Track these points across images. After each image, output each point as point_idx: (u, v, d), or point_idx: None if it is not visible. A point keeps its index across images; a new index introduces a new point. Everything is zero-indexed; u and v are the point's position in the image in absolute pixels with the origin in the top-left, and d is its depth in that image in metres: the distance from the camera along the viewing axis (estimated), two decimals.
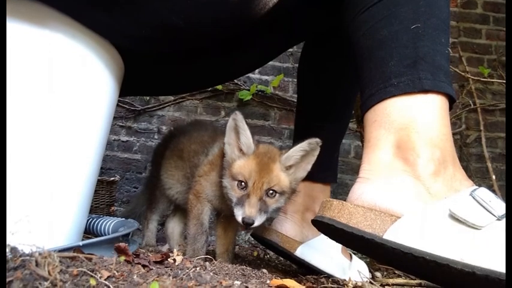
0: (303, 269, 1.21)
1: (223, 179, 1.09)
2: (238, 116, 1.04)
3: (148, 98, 2.61)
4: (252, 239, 1.41)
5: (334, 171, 1.32)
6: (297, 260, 1.18)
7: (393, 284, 1.07)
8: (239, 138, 1.07)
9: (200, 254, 1.07)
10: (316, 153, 1.07)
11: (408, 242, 0.66)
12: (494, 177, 2.11)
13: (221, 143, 1.18)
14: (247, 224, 0.99)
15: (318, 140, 1.05)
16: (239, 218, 1.00)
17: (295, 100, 1.47)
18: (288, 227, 1.23)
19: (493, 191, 0.70)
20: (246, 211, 0.99)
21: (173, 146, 1.37)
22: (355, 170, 2.54)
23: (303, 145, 1.05)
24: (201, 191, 1.14)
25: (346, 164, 2.61)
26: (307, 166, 1.09)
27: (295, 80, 1.77)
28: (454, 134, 2.35)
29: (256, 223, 1.00)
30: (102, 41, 0.87)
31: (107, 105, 0.91)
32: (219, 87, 2.59)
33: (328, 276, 1.09)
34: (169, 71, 1.15)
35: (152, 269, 0.71)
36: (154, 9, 0.85)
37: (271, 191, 1.04)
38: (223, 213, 1.21)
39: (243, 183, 1.03)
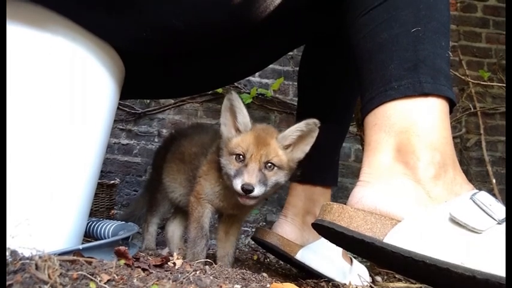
0: (304, 273, 1.21)
1: (221, 158, 1.09)
2: (234, 95, 1.05)
3: (148, 101, 2.61)
4: (253, 242, 1.41)
5: (335, 174, 1.32)
6: (298, 263, 1.18)
7: None
8: (236, 117, 1.07)
9: (200, 258, 1.07)
10: (315, 134, 1.08)
11: (408, 246, 0.66)
12: (494, 181, 2.11)
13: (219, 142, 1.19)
14: (246, 191, 0.98)
15: (316, 120, 1.05)
16: (238, 187, 0.99)
17: (296, 103, 1.47)
18: (288, 230, 1.23)
19: (493, 195, 0.70)
20: (245, 178, 0.99)
21: (174, 149, 1.37)
22: (355, 174, 2.54)
23: (300, 125, 1.06)
24: (201, 191, 1.14)
25: (346, 168, 2.61)
26: (305, 147, 1.10)
27: (296, 83, 1.78)
28: (454, 138, 2.35)
29: (256, 191, 0.99)
30: (103, 43, 0.87)
31: (108, 108, 0.92)
32: (219, 90, 2.59)
33: (329, 280, 1.09)
34: (169, 74, 1.15)
35: (152, 272, 0.71)
36: (155, 11, 0.85)
37: (269, 164, 1.04)
38: (224, 214, 1.21)
39: (241, 156, 1.04)
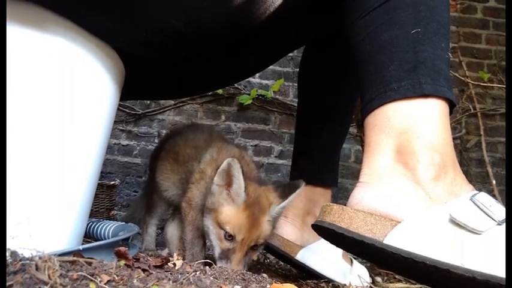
0: (304, 274, 1.21)
1: (205, 217, 1.04)
2: (236, 164, 0.97)
3: (148, 102, 2.61)
4: None
5: (335, 175, 1.32)
6: (298, 264, 1.18)
7: None
8: (231, 185, 1.00)
9: (199, 258, 1.07)
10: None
11: (408, 247, 0.66)
12: (494, 181, 2.11)
13: (214, 149, 1.17)
14: None
15: (302, 182, 1.05)
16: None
17: (296, 104, 1.47)
18: (288, 231, 1.22)
19: (493, 196, 0.70)
20: (233, 266, 0.96)
21: (169, 148, 1.36)
22: (355, 175, 2.54)
23: (295, 195, 1.04)
24: (192, 199, 1.13)
25: (346, 169, 2.61)
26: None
27: (296, 84, 1.78)
28: (454, 139, 2.35)
29: None
30: (103, 45, 0.87)
31: (108, 109, 0.92)
32: (220, 91, 2.60)
33: (329, 281, 1.09)
34: (169, 75, 1.16)
35: (152, 273, 0.71)
36: (155, 13, 0.85)
37: (255, 246, 1.01)
38: None
39: (230, 237, 0.99)
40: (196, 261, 0.94)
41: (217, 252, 1.01)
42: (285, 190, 1.05)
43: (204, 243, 1.12)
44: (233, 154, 1.14)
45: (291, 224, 1.24)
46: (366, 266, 1.22)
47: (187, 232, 1.13)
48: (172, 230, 1.46)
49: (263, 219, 1.01)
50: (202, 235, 1.13)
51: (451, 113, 0.79)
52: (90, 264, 0.64)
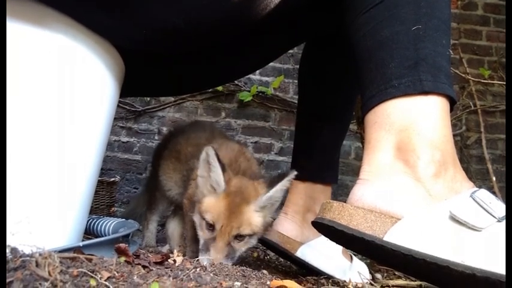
0: (304, 270, 1.21)
1: (193, 213, 1.04)
2: (210, 151, 0.97)
3: (148, 99, 2.61)
4: None
5: (335, 172, 1.32)
6: (298, 260, 1.18)
7: (393, 286, 1.07)
8: (211, 172, 1.00)
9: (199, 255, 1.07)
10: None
11: (408, 244, 0.66)
12: (494, 178, 2.11)
13: (214, 146, 1.16)
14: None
15: (296, 172, 1.02)
16: (204, 263, 0.92)
17: (296, 101, 1.47)
18: (288, 228, 1.23)
19: (493, 193, 0.70)
20: (211, 255, 0.95)
21: (171, 147, 1.36)
22: (355, 172, 2.54)
23: (285, 183, 1.01)
24: (192, 195, 1.12)
25: (346, 166, 2.61)
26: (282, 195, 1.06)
27: (296, 81, 1.77)
28: (454, 136, 2.35)
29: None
30: (103, 41, 0.87)
31: (108, 105, 0.91)
32: (220, 88, 2.60)
33: (329, 277, 1.09)
34: (169, 72, 1.15)
35: (152, 269, 0.71)
36: (155, 11, 0.85)
37: (240, 236, 0.99)
38: None
39: (210, 226, 0.98)
40: (197, 257, 0.94)
41: (200, 244, 1.01)
42: (274, 180, 1.04)
43: None
44: (233, 150, 1.14)
45: (291, 220, 1.24)
46: (365, 263, 1.22)
47: (189, 229, 1.13)
48: (173, 227, 1.47)
49: (246, 208, 0.99)
50: None
51: (451, 109, 0.79)
52: (90, 260, 0.64)
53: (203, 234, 1.00)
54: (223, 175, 0.98)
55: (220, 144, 1.18)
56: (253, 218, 1.00)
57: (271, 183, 1.03)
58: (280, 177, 1.03)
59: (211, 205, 0.99)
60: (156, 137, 2.58)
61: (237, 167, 1.10)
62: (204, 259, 0.95)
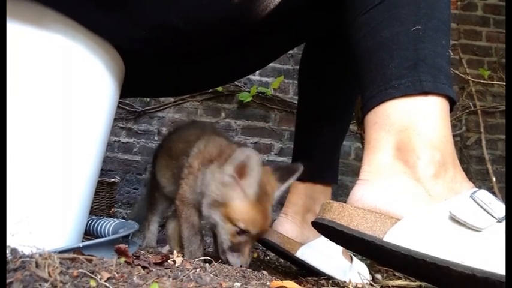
0: (304, 271, 1.21)
1: (211, 210, 1.00)
2: (256, 157, 0.92)
3: (148, 99, 2.61)
4: None
5: (335, 172, 1.32)
6: (298, 261, 1.18)
7: (393, 286, 1.07)
8: (244, 177, 0.96)
9: (198, 255, 1.07)
10: None
11: (408, 244, 0.66)
12: (494, 179, 2.11)
13: (202, 141, 1.15)
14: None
15: (302, 167, 1.04)
16: (231, 261, 0.94)
17: (296, 102, 1.47)
18: (288, 228, 1.23)
19: (493, 193, 0.70)
20: (244, 260, 0.95)
21: (165, 145, 1.37)
22: (355, 172, 2.54)
23: (294, 178, 1.05)
24: (183, 195, 1.12)
25: (346, 166, 2.61)
26: None
27: (296, 81, 1.78)
28: (454, 136, 2.35)
29: None
30: (102, 42, 0.87)
31: (108, 106, 0.92)
32: (219, 88, 2.60)
33: (329, 278, 1.09)
34: (169, 72, 1.15)
35: (152, 270, 0.71)
36: (154, 10, 0.85)
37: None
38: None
39: (243, 231, 0.96)
40: (195, 258, 0.95)
41: (226, 245, 1.00)
42: (284, 173, 1.03)
43: (201, 240, 1.12)
44: (220, 145, 1.13)
45: (291, 221, 1.24)
46: (365, 263, 1.22)
47: (184, 229, 1.13)
48: (173, 227, 1.47)
49: (270, 208, 1.00)
50: (200, 232, 1.13)
51: (451, 110, 0.79)
52: (90, 261, 0.64)
53: (233, 239, 0.98)
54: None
55: (207, 140, 1.17)
56: (271, 215, 1.02)
57: (280, 175, 1.03)
58: (290, 171, 1.04)
59: (245, 212, 0.96)
60: (156, 138, 2.58)
61: (222, 156, 1.08)
62: (237, 262, 0.95)
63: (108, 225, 1.13)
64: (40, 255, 0.56)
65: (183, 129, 1.36)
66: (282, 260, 1.44)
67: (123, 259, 0.71)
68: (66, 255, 0.63)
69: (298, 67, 1.40)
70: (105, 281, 0.58)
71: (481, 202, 0.67)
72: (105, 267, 0.63)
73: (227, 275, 0.82)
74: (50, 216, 0.77)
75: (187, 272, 0.71)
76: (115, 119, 1.13)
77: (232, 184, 0.97)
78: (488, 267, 0.59)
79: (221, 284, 0.67)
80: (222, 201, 0.99)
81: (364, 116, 0.83)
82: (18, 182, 0.72)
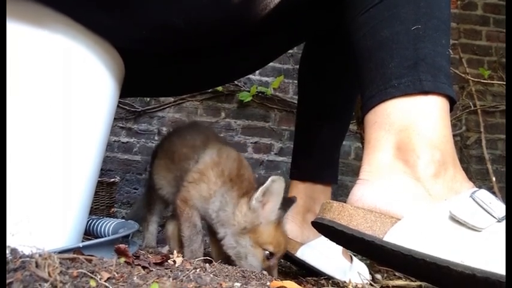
0: (304, 271, 1.21)
1: (239, 237, 1.03)
2: (282, 183, 0.98)
3: (148, 99, 2.61)
4: None
5: (335, 172, 1.32)
6: (298, 261, 1.18)
7: (393, 286, 1.07)
8: (267, 202, 1.01)
9: (198, 255, 1.07)
10: None
11: (408, 244, 0.66)
12: (494, 179, 2.11)
13: (213, 150, 1.16)
14: None
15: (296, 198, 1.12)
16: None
17: (296, 101, 1.47)
18: (288, 228, 1.22)
19: (493, 193, 0.70)
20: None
21: (166, 147, 1.36)
22: (355, 172, 2.54)
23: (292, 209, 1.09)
24: (189, 198, 1.12)
25: (346, 166, 2.61)
26: None
27: (296, 81, 1.78)
28: (454, 136, 2.35)
29: None
30: (103, 42, 0.87)
31: (108, 106, 0.91)
32: (219, 88, 2.59)
33: (329, 278, 1.09)
34: (169, 72, 1.15)
35: (152, 270, 0.71)
36: (155, 10, 0.85)
37: None
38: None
39: (271, 254, 1.00)
40: (196, 258, 0.94)
41: (258, 271, 1.00)
42: (283, 202, 1.06)
43: (202, 240, 1.12)
44: (234, 159, 1.14)
45: (291, 221, 1.24)
46: (365, 263, 1.22)
47: (185, 229, 1.13)
48: (173, 227, 1.46)
49: (284, 229, 1.05)
50: (200, 231, 1.12)
51: (451, 109, 0.79)
52: (90, 261, 0.64)
53: (264, 264, 1.01)
54: None
55: (218, 149, 1.17)
56: None
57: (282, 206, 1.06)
58: (287, 202, 1.08)
59: (272, 235, 1.00)
60: (156, 137, 2.58)
61: (240, 177, 1.10)
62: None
63: (108, 225, 1.13)
64: (40, 255, 0.56)
65: (185, 133, 1.35)
66: (282, 260, 1.44)
67: (123, 259, 0.71)
68: (66, 255, 0.63)
69: (298, 66, 1.40)
70: (105, 281, 0.58)
71: (481, 202, 0.67)
72: (105, 267, 0.62)
73: (227, 275, 0.82)
74: (49, 216, 0.76)
75: (187, 272, 0.71)
76: (115, 118, 1.13)
77: (259, 209, 1.02)
78: (488, 267, 0.59)
79: (221, 284, 0.67)
80: (251, 228, 1.02)
81: (364, 115, 0.83)
82: (18, 182, 0.72)
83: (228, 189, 1.07)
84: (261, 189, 1.00)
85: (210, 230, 1.21)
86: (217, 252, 1.20)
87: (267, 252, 1.00)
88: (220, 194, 1.08)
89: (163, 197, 1.36)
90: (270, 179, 0.99)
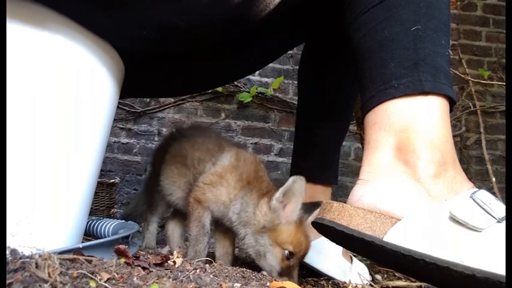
0: (304, 271, 1.21)
1: (258, 235, 1.04)
2: (302, 183, 0.98)
3: (148, 100, 2.61)
4: None
5: (335, 172, 1.32)
6: None
7: (393, 287, 1.07)
8: (289, 202, 1.01)
9: (202, 256, 1.06)
10: None
11: (408, 244, 0.66)
12: (494, 179, 2.11)
13: (231, 153, 1.16)
14: None
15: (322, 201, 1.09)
16: None
17: (296, 102, 1.47)
18: None
19: (493, 193, 0.70)
20: (296, 283, 0.95)
21: (175, 152, 1.34)
22: (355, 172, 2.54)
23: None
24: (203, 200, 1.12)
25: (346, 166, 2.61)
26: None
27: (296, 82, 1.78)
28: (454, 136, 2.35)
29: None
30: (102, 42, 0.87)
31: (107, 107, 0.91)
32: (219, 89, 2.60)
33: (329, 279, 1.09)
34: (169, 73, 1.15)
35: (152, 271, 0.71)
36: (155, 10, 0.85)
37: None
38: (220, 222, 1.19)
39: (291, 254, 1.00)
40: (198, 258, 0.94)
41: (276, 270, 1.01)
42: (308, 206, 1.07)
43: (208, 241, 1.12)
44: (251, 162, 1.14)
45: None
46: (365, 264, 1.22)
47: (193, 228, 1.12)
48: (173, 228, 1.47)
49: (305, 230, 1.04)
50: (208, 233, 1.12)
51: (451, 110, 0.79)
52: (90, 262, 0.64)
53: (282, 263, 1.00)
54: None
55: (236, 153, 1.17)
56: None
57: (308, 209, 1.06)
58: (314, 205, 1.08)
59: (293, 235, 1.00)
60: (156, 138, 2.58)
61: (258, 179, 1.11)
62: None
63: (108, 226, 1.13)
64: (40, 255, 0.56)
65: (194, 136, 1.34)
66: None
67: (123, 260, 0.71)
68: (66, 256, 0.63)
69: (297, 67, 1.40)
70: (105, 282, 0.58)
71: (481, 202, 0.67)
72: (105, 268, 0.63)
73: (227, 276, 0.82)
74: (50, 217, 0.76)
75: (187, 272, 0.71)
76: (115, 119, 1.13)
77: (280, 209, 1.02)
78: (488, 267, 0.59)
79: (221, 285, 0.67)
80: (270, 227, 1.02)
81: (364, 116, 0.83)
82: (18, 182, 0.72)
83: (247, 192, 1.08)
84: (281, 189, 1.00)
85: (218, 230, 1.22)
86: (222, 252, 1.21)
87: (287, 251, 1.00)
88: (241, 197, 1.08)
89: (172, 202, 1.35)
90: (291, 179, 0.99)
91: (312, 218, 1.05)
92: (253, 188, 1.08)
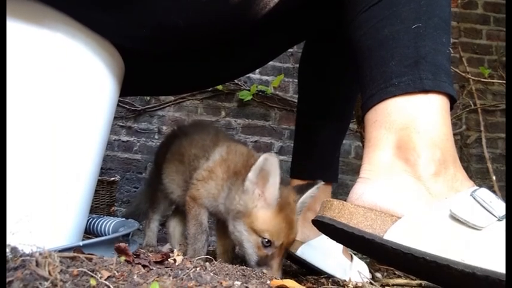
0: (304, 269, 1.21)
1: (235, 222, 0.99)
2: (273, 159, 0.91)
3: (148, 98, 2.61)
4: None
5: (336, 170, 1.32)
6: (298, 259, 1.18)
7: (393, 285, 1.07)
8: (265, 183, 0.95)
9: (201, 254, 1.07)
10: None
11: (408, 243, 0.66)
12: (494, 177, 2.11)
13: (223, 148, 1.15)
14: None
15: (322, 182, 1.05)
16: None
17: (296, 100, 1.47)
18: None
19: (494, 192, 0.70)
20: (274, 273, 0.92)
21: (174, 150, 1.34)
22: (355, 171, 2.54)
23: (314, 190, 1.03)
24: (197, 197, 1.11)
25: (346, 165, 2.61)
26: None
27: (296, 80, 1.78)
28: (454, 135, 2.34)
29: None
30: (102, 40, 0.87)
31: (108, 105, 0.91)
32: (220, 87, 2.60)
33: (329, 277, 1.09)
34: (169, 71, 1.15)
35: (152, 269, 0.71)
36: (154, 8, 0.84)
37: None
38: (218, 218, 1.19)
39: (268, 242, 0.94)
40: (198, 256, 0.94)
41: (253, 259, 0.97)
42: (302, 187, 1.05)
43: (206, 240, 1.12)
44: (242, 154, 1.14)
45: None
46: (365, 262, 1.22)
47: (191, 226, 1.13)
48: (174, 225, 1.47)
49: (295, 219, 0.99)
50: (206, 230, 1.12)
51: (451, 108, 0.79)
52: (90, 260, 0.64)
53: (259, 252, 0.96)
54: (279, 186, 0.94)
55: (228, 146, 1.17)
56: (297, 227, 1.01)
57: (298, 188, 1.04)
58: (309, 186, 1.05)
59: (269, 221, 0.95)
60: (156, 136, 2.58)
61: (246, 168, 1.07)
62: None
63: (108, 224, 1.13)
64: (40, 253, 0.56)
65: (192, 133, 1.34)
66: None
67: (123, 258, 0.71)
68: (66, 253, 0.63)
69: (298, 65, 1.40)
70: (105, 280, 0.58)
71: (482, 201, 0.67)
72: (106, 266, 0.63)
73: (227, 274, 0.82)
74: (50, 215, 0.77)
75: (188, 270, 0.71)
76: (115, 117, 1.13)
77: (254, 192, 0.97)
78: (489, 265, 0.59)
79: (221, 283, 0.67)
80: (245, 211, 0.97)
81: (364, 114, 0.83)
82: (18, 180, 0.72)
83: (233, 181, 1.05)
84: (253, 168, 0.95)
85: (218, 228, 1.22)
86: (222, 250, 1.21)
87: (264, 239, 0.95)
88: (227, 187, 1.06)
89: (174, 200, 1.35)
90: (262, 157, 0.93)
91: (304, 198, 1.03)
92: (240, 177, 1.04)
